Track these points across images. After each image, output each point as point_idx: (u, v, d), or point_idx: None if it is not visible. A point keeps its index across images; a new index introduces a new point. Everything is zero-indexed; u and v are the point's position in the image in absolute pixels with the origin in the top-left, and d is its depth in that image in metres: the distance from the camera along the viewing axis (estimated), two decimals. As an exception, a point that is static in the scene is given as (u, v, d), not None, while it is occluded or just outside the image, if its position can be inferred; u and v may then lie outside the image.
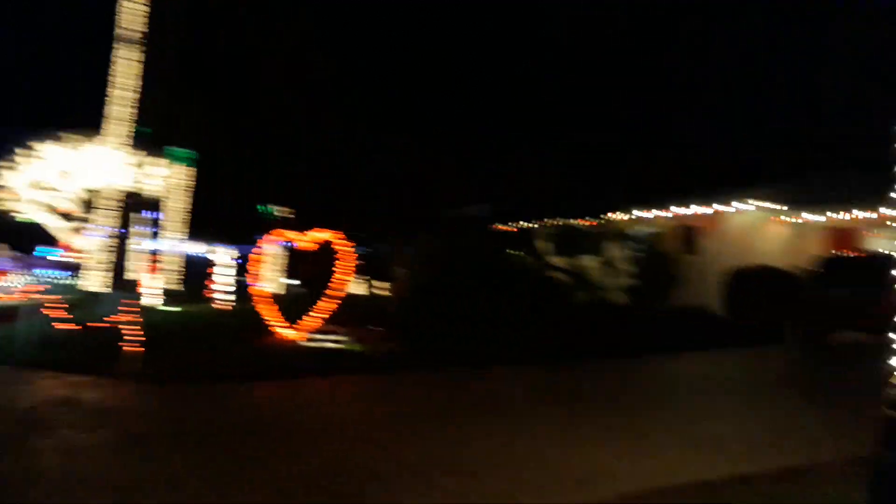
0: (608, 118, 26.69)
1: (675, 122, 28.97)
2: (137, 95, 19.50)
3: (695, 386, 9.52)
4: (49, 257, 35.66)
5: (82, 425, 6.18)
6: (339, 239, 12.15)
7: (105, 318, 9.58)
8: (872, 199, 17.36)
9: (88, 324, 9.83)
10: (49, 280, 23.75)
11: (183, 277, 24.21)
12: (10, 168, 35.58)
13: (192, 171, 24.52)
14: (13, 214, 37.15)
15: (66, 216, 38.13)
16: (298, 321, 12.00)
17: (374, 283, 23.63)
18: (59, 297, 10.99)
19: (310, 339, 11.40)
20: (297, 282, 18.39)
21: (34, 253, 36.77)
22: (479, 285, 13.72)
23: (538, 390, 8.81)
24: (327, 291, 12.03)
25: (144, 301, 18.82)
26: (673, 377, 10.34)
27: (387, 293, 24.72)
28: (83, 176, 35.76)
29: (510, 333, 12.62)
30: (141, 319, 8.70)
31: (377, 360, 10.41)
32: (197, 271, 27.06)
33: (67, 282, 25.64)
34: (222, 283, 19.47)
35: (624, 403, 7.93)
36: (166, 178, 24.91)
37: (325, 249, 12.70)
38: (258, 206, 46.17)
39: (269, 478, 4.95)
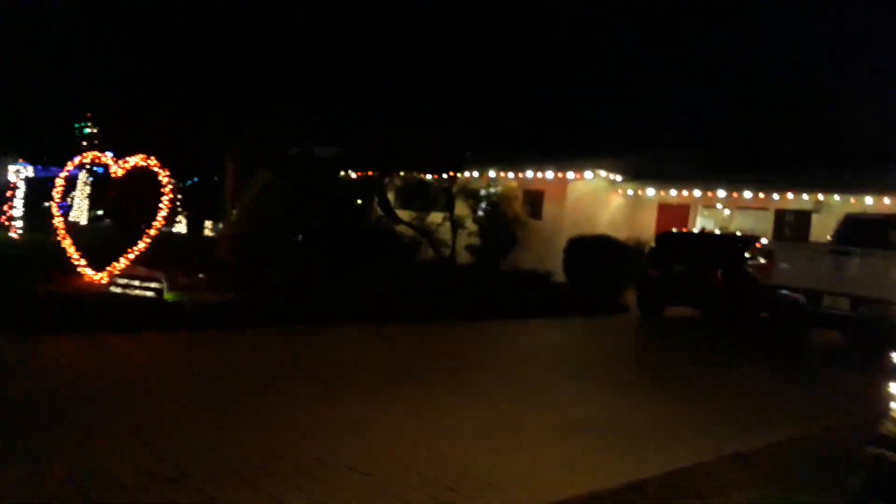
0: (478, 75, 26.14)
1: (548, 88, 29.05)
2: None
3: (519, 353, 9.24)
4: None
5: None
6: (157, 166, 10.45)
7: None
8: (704, 178, 18.34)
9: None
10: None
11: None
12: None
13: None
14: None
15: None
16: (110, 263, 10.28)
17: (203, 222, 21.64)
18: None
19: (118, 285, 9.75)
20: (100, 214, 16.08)
21: None
22: (322, 233, 12.70)
23: (367, 355, 8.03)
24: (144, 229, 10.39)
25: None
26: (499, 345, 9.92)
27: (216, 235, 22.77)
28: None
29: (351, 289, 11.75)
30: None
31: (194, 313, 9.08)
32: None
33: None
34: (20, 209, 16.66)
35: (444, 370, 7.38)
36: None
37: (141, 178, 10.95)
38: (75, 125, 41.06)
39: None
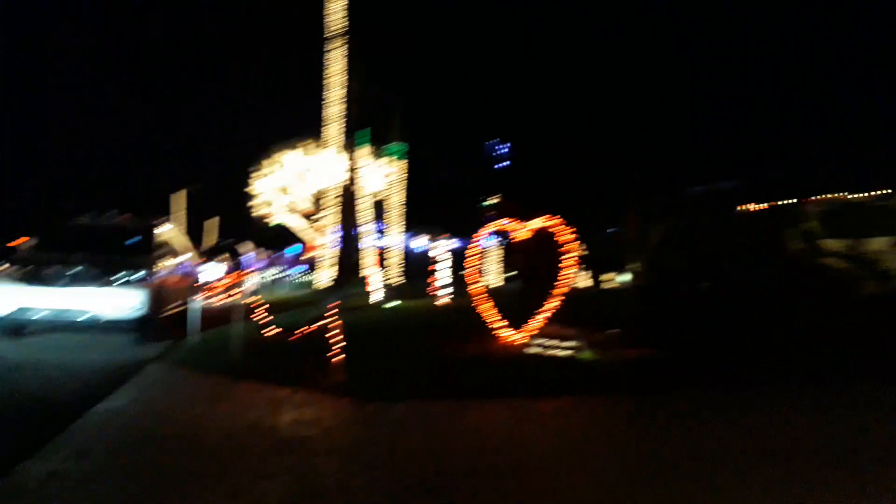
0: None
1: None
2: (349, 93, 19.40)
3: None
4: (292, 255, 38.45)
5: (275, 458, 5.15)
6: (558, 226, 10.40)
7: (310, 322, 8.78)
8: None
9: (298, 329, 9.10)
10: (290, 277, 24.98)
11: (404, 272, 24.23)
12: (260, 177, 38.92)
13: (404, 163, 24.35)
14: (266, 220, 40.72)
15: (306, 216, 40.94)
16: (522, 323, 10.51)
17: (601, 275, 21.57)
18: (262, 298, 10.54)
19: (533, 344, 9.80)
20: (512, 275, 16.93)
21: (284, 252, 39.99)
22: (737, 275, 11.24)
23: (831, 428, 6.26)
24: (550, 287, 10.38)
25: (372, 298, 18.83)
26: None
27: (617, 286, 22.47)
28: (315, 178, 38.03)
29: (783, 337, 9.99)
30: (339, 323, 7.67)
31: (618, 372, 8.50)
32: (416, 266, 26.94)
33: (304, 278, 27.03)
34: (443, 278, 18.70)
35: None
36: (386, 175, 25.16)
37: (543, 238, 11.06)
38: (479, 199, 45.92)
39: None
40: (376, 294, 19.28)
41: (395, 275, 24.16)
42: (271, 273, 25.21)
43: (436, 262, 18.82)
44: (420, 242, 39.58)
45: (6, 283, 9.33)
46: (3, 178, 31.86)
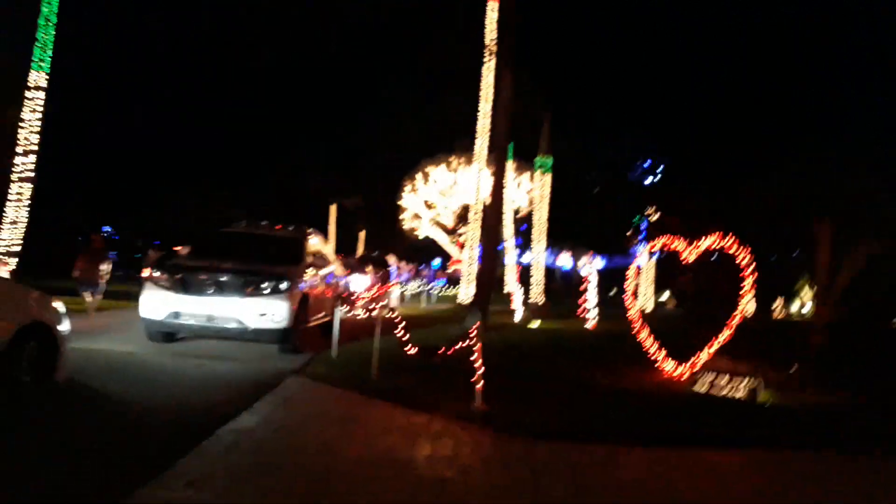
0: None
1: None
2: (497, 104, 18.87)
3: None
4: (434, 269, 38.66)
5: None
6: (733, 246, 9.09)
7: (451, 342, 8.16)
8: None
9: (439, 350, 8.50)
10: (431, 290, 24.82)
11: (546, 290, 23.27)
12: (410, 190, 39.62)
13: (549, 177, 23.45)
14: (415, 233, 41.44)
15: (450, 231, 41.08)
16: (685, 354, 9.32)
17: (773, 301, 19.49)
18: (401, 313, 10.08)
19: (701, 380, 8.59)
20: (664, 298, 15.43)
21: (427, 265, 40.42)
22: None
23: None
24: (722, 315, 9.11)
25: (516, 317, 18.08)
26: None
27: (781, 316, 20.18)
28: (462, 193, 38.02)
29: None
30: (481, 346, 6.97)
31: (811, 421, 7.14)
32: (559, 285, 25.79)
33: (445, 292, 26.82)
34: (592, 299, 17.56)
35: None
36: (532, 189, 24.36)
37: (710, 260, 9.79)
38: (635, 218, 43.74)
39: None
40: (518, 313, 18.49)
41: (538, 293, 23.24)
42: (414, 286, 25.14)
43: (586, 281, 17.73)
44: (564, 261, 38.44)
45: (161, 290, 9.53)
46: (161, 190, 34.04)
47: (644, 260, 11.89)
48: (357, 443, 5.68)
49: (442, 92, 30.50)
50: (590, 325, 17.17)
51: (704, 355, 9.10)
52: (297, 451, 5.33)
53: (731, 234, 9.02)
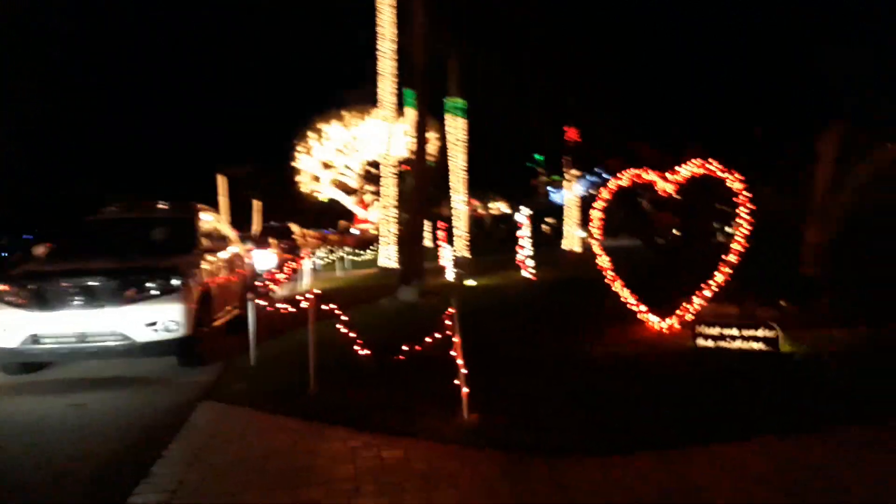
0: None
1: None
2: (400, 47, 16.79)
3: None
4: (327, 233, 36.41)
5: None
6: (722, 171, 7.73)
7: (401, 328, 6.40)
8: None
9: (398, 350, 6.63)
10: (345, 256, 22.76)
11: (470, 244, 21.80)
12: (304, 151, 36.70)
13: (465, 123, 21.70)
14: (315, 195, 38.65)
15: (354, 191, 38.69)
16: (668, 304, 7.98)
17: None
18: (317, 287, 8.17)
19: (700, 334, 7.24)
20: (631, 240, 14.09)
21: (331, 230, 38.06)
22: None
23: None
24: (712, 255, 7.79)
25: (447, 276, 16.48)
26: None
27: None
28: (364, 150, 35.55)
29: None
30: (460, 342, 5.25)
31: (830, 372, 5.92)
32: (480, 235, 24.26)
33: (362, 257, 24.85)
34: (528, 248, 16.11)
35: None
36: (446, 134, 22.52)
37: (692, 193, 8.44)
38: (535, 156, 42.65)
39: None
40: (449, 271, 16.87)
41: (463, 248, 21.71)
42: (323, 254, 22.98)
43: (519, 229, 16.22)
44: (490, 208, 36.88)
45: (11, 308, 7.19)
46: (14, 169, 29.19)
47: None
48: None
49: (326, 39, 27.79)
50: (529, 274, 15.79)
51: (696, 303, 7.79)
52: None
53: (717, 157, 7.64)
